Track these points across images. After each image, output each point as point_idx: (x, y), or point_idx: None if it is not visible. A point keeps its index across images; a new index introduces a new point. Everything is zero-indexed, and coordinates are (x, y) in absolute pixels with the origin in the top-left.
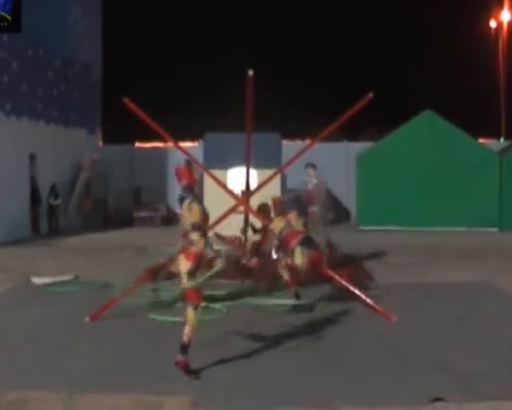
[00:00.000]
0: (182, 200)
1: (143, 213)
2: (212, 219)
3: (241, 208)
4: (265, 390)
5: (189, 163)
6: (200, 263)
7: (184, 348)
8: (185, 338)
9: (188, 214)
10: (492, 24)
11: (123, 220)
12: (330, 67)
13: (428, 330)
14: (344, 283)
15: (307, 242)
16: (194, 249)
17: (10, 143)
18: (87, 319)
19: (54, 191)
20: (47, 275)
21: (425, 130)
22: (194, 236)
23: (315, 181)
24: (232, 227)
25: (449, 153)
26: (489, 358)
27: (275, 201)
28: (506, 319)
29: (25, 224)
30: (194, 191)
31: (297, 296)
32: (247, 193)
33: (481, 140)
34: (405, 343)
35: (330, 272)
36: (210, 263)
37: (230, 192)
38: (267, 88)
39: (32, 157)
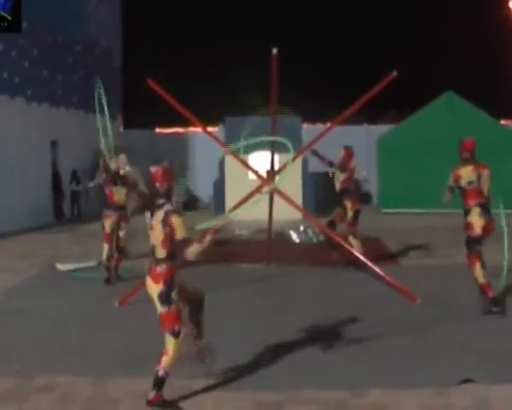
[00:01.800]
0: (154, 208)
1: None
2: (234, 201)
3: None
4: (292, 373)
5: (170, 163)
6: (173, 280)
7: (159, 382)
8: (161, 372)
9: (161, 228)
10: (511, 4)
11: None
12: (350, 48)
13: (456, 311)
14: (369, 263)
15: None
16: (161, 269)
17: (31, 129)
18: (116, 304)
19: (75, 177)
20: (71, 261)
21: (445, 111)
22: (194, 248)
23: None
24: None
25: (470, 134)
26: None
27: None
28: None
29: (47, 210)
30: (171, 198)
31: None
32: (272, 172)
33: (502, 121)
34: (432, 325)
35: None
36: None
37: (256, 172)
38: (287, 71)
39: (54, 143)
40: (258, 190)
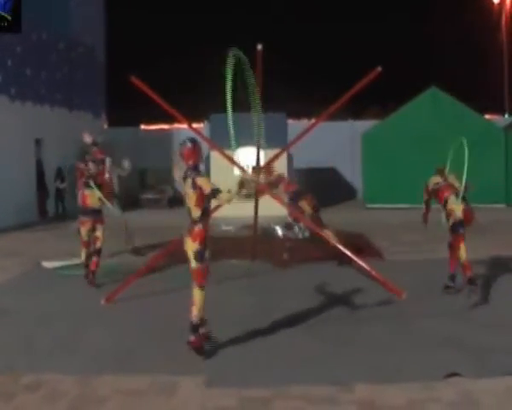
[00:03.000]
0: (185, 178)
1: (149, 195)
2: None
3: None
4: (279, 368)
5: (195, 142)
6: (206, 241)
7: (195, 328)
8: (194, 319)
9: (192, 192)
10: None
11: (129, 202)
12: (335, 44)
13: (440, 306)
14: (355, 258)
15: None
16: (198, 228)
17: (16, 128)
18: (102, 302)
19: (60, 175)
20: (56, 259)
21: (430, 106)
22: (225, 196)
23: None
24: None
25: (454, 129)
26: (503, 333)
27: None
28: None
29: (32, 208)
30: (199, 169)
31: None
32: (258, 169)
33: (486, 116)
34: (418, 319)
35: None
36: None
37: (241, 168)
38: (273, 67)
39: (38, 142)
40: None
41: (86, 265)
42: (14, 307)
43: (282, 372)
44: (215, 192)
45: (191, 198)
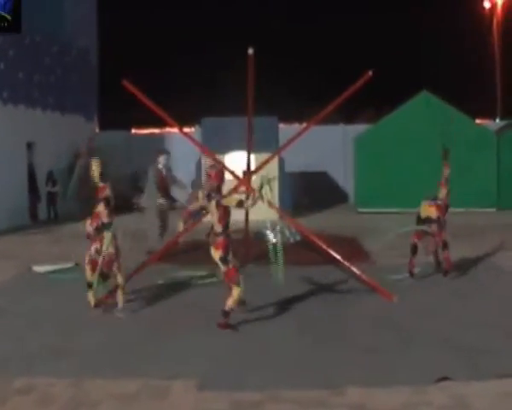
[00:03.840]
0: (209, 197)
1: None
2: None
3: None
4: (270, 372)
5: (221, 167)
6: (229, 248)
7: (226, 314)
8: (227, 308)
9: (215, 211)
10: (486, 4)
11: (121, 206)
12: (327, 48)
13: (432, 308)
14: (345, 262)
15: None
16: (220, 239)
17: (8, 131)
18: (92, 305)
19: (51, 178)
20: (48, 262)
21: (422, 111)
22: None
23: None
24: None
25: (446, 133)
26: (494, 334)
27: None
28: (509, 296)
29: (23, 211)
30: (221, 191)
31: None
32: (249, 173)
33: (478, 120)
34: (410, 321)
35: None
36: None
37: (232, 172)
38: (264, 71)
39: (30, 145)
40: (235, 190)
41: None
42: (6, 311)
43: (273, 376)
44: (240, 203)
45: (214, 216)
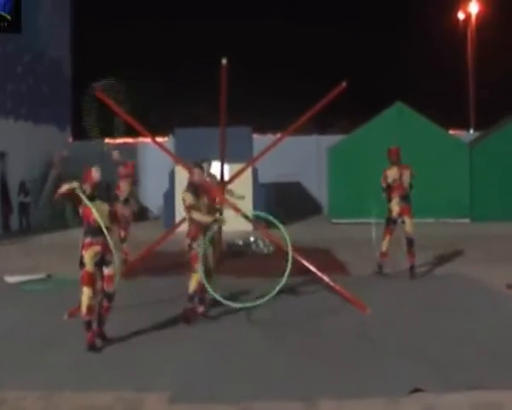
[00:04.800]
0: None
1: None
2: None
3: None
4: (244, 384)
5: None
6: (197, 237)
7: (190, 299)
8: (189, 293)
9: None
10: (461, 16)
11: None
12: (300, 58)
13: (405, 321)
14: (319, 273)
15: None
16: (190, 228)
17: None
18: (65, 317)
19: (24, 189)
20: (20, 273)
21: (395, 122)
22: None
23: None
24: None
25: (419, 144)
26: (466, 347)
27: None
28: (481, 308)
29: None
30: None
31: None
32: (222, 183)
33: (451, 131)
34: (383, 333)
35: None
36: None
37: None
38: (237, 82)
39: (2, 155)
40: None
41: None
42: None
43: (247, 388)
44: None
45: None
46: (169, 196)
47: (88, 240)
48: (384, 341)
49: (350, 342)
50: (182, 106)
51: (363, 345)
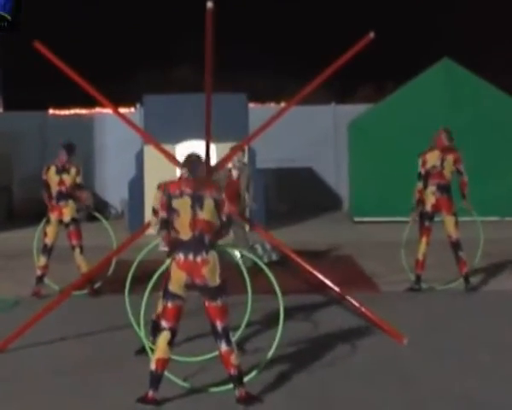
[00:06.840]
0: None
1: None
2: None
3: None
4: None
5: None
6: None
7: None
8: None
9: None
10: None
11: (34, 214)
12: (312, 7)
13: (450, 355)
14: (338, 290)
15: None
16: None
17: None
18: None
19: None
20: None
21: (441, 85)
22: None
23: None
24: None
25: (473, 111)
26: None
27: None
28: None
29: None
30: None
31: None
32: (208, 169)
33: None
34: (422, 372)
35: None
36: None
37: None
38: (229, 36)
39: None
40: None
41: None
42: None
43: None
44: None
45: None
46: (136, 186)
47: None
48: (424, 379)
49: (381, 379)
50: (154, 67)
51: (398, 384)
